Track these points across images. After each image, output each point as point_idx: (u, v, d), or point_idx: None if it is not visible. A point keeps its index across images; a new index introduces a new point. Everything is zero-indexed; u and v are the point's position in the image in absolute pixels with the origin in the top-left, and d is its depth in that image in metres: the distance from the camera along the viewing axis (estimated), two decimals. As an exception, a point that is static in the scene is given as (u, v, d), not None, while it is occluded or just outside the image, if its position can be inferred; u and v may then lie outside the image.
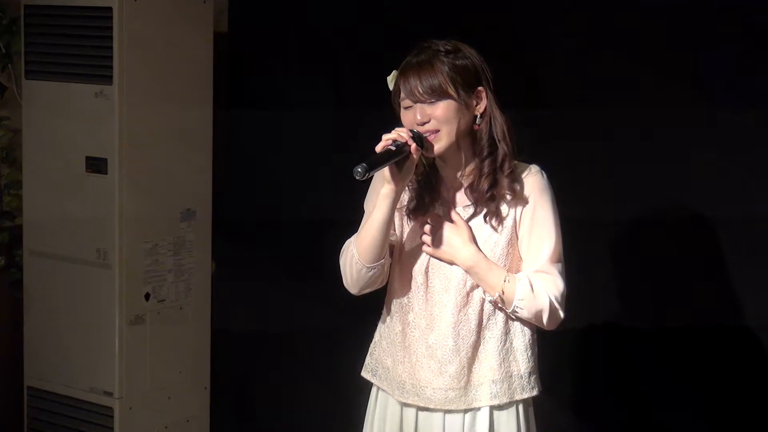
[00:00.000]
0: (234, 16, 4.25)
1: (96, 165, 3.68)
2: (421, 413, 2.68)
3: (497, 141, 2.57)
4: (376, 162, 2.45)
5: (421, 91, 2.51)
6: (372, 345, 2.79)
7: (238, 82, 4.26)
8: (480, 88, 2.56)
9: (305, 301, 4.14)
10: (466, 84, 2.53)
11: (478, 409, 2.64)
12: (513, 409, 2.65)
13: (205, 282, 4.01)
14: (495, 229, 2.60)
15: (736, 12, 3.37)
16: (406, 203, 2.65)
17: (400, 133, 2.49)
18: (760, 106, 3.36)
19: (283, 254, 4.22)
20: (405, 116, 2.56)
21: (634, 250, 3.62)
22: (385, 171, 2.50)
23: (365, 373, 2.78)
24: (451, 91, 2.51)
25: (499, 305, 2.58)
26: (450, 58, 2.54)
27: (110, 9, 3.57)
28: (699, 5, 3.41)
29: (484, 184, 2.57)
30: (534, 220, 2.58)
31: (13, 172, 4.22)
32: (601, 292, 3.61)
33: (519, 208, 2.59)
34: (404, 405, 2.69)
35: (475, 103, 2.56)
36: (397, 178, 2.51)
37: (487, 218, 2.59)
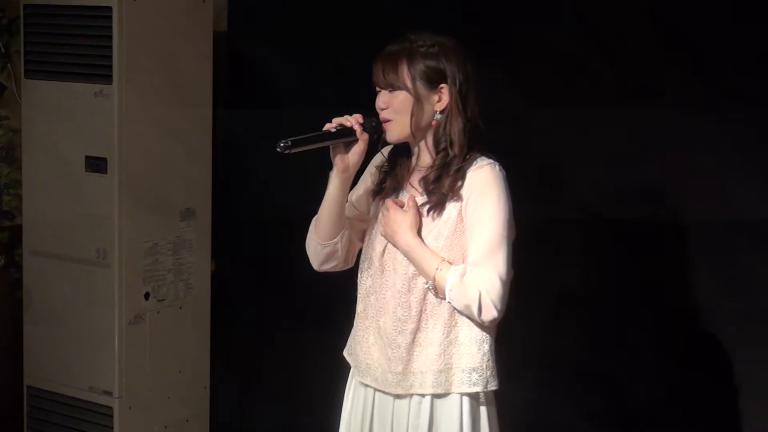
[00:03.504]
0: (234, 16, 4.25)
1: (96, 164, 3.68)
2: (377, 395, 2.76)
3: (450, 140, 2.63)
4: (304, 140, 2.58)
5: (382, 78, 2.63)
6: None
7: (237, 82, 4.25)
8: (443, 85, 2.62)
9: (305, 300, 4.14)
10: (427, 80, 2.62)
11: (423, 396, 2.68)
12: (456, 402, 2.66)
13: (204, 281, 4.01)
14: (433, 220, 2.65)
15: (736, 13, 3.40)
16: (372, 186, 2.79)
17: (348, 119, 2.62)
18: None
19: (283, 253, 4.22)
20: (376, 101, 2.68)
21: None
22: (332, 154, 2.63)
23: (345, 353, 2.88)
24: (409, 84, 2.61)
25: (436, 293, 2.63)
26: (420, 54, 2.62)
27: (110, 8, 3.57)
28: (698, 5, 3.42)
29: (430, 178, 2.65)
30: (475, 213, 2.61)
31: (12, 171, 4.22)
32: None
33: (462, 203, 2.63)
34: (365, 386, 2.78)
35: (436, 99, 2.63)
36: (341, 160, 2.63)
37: (430, 211, 2.65)
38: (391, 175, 2.74)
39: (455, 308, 2.62)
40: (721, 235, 3.54)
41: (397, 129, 2.64)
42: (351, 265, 2.81)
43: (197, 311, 3.99)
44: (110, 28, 3.58)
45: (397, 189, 2.73)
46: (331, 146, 2.63)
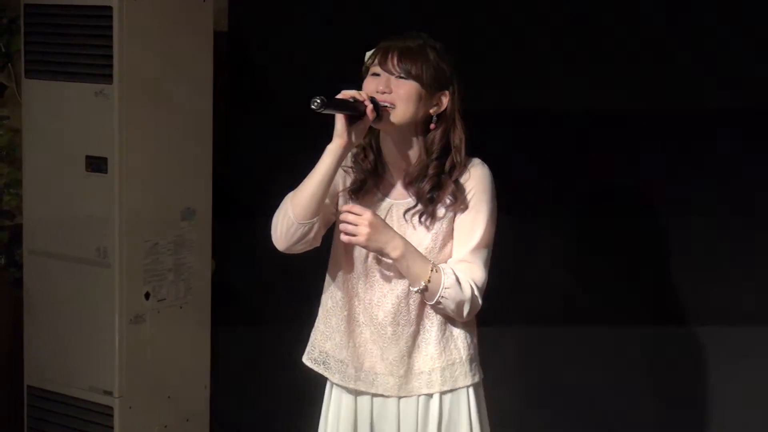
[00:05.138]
0: (234, 16, 4.25)
1: (96, 164, 3.67)
2: (375, 400, 2.73)
3: (452, 147, 2.63)
4: (333, 103, 2.52)
5: (395, 63, 2.60)
6: (312, 330, 2.83)
7: (238, 82, 4.25)
8: (446, 91, 2.64)
9: (306, 300, 4.14)
10: (436, 82, 2.62)
11: (431, 395, 2.69)
12: (464, 395, 2.71)
13: (205, 281, 4.01)
14: (426, 228, 2.64)
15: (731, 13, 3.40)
16: (349, 185, 2.71)
17: (361, 93, 2.56)
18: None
19: (283, 254, 4.21)
20: (368, 83, 2.63)
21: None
22: (338, 123, 2.56)
23: (305, 359, 2.84)
24: (423, 78, 2.59)
25: (424, 295, 2.60)
26: (435, 54, 2.63)
27: (110, 8, 3.56)
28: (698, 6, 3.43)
29: (427, 185, 2.62)
30: (468, 213, 2.62)
31: (13, 171, 4.22)
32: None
33: (456, 205, 2.63)
34: (357, 393, 2.74)
35: (435, 102, 2.63)
36: (348, 132, 2.56)
37: (422, 218, 2.64)
38: (371, 174, 2.69)
39: (441, 308, 2.61)
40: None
41: (398, 115, 2.59)
42: (318, 245, 2.70)
43: (197, 311, 3.99)
44: (110, 27, 3.57)
45: (377, 189, 2.69)
46: (338, 117, 2.56)
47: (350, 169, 2.72)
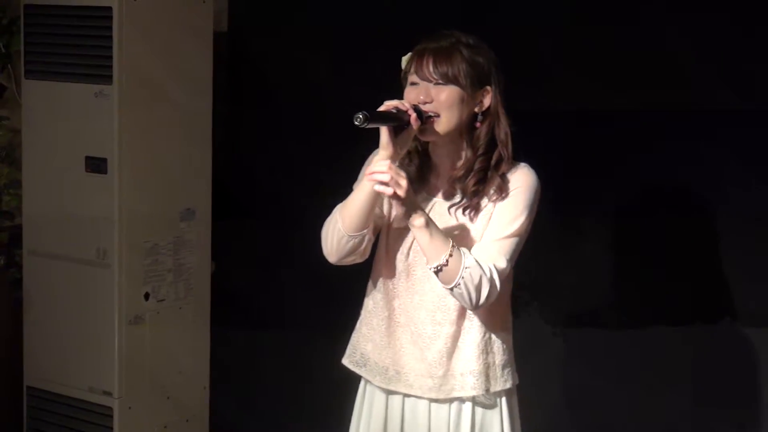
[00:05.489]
0: (234, 16, 4.24)
1: (96, 165, 3.67)
2: (407, 401, 2.70)
3: (498, 142, 2.59)
4: (377, 116, 2.46)
5: (431, 70, 2.54)
6: (354, 332, 2.80)
7: (238, 82, 4.25)
8: (488, 87, 2.59)
9: (305, 301, 4.13)
10: (476, 79, 2.56)
11: (463, 401, 2.66)
12: (497, 401, 2.68)
13: (204, 282, 4.00)
14: (470, 220, 2.60)
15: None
16: None
17: (403, 103, 2.51)
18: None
19: (283, 254, 4.21)
20: (408, 93, 2.58)
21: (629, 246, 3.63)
22: (383, 135, 2.50)
23: (345, 360, 2.81)
24: (461, 80, 2.54)
25: (442, 278, 2.50)
26: (469, 51, 2.57)
27: (110, 9, 3.56)
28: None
29: (472, 180, 2.58)
30: (505, 202, 2.58)
31: (12, 171, 4.22)
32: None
33: (497, 201, 2.60)
34: (389, 393, 2.71)
35: (478, 99, 2.59)
36: (393, 144, 2.50)
37: (466, 211, 2.60)
38: (417, 175, 2.65)
39: (460, 293, 2.50)
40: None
41: (443, 124, 2.55)
42: (367, 257, 2.67)
43: (197, 312, 3.97)
44: (110, 28, 3.56)
45: (423, 190, 2.66)
46: (382, 129, 2.50)
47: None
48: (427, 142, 2.63)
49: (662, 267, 3.67)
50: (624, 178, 3.70)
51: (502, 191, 2.57)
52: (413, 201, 2.50)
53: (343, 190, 2.83)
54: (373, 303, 2.74)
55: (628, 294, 3.73)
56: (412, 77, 2.58)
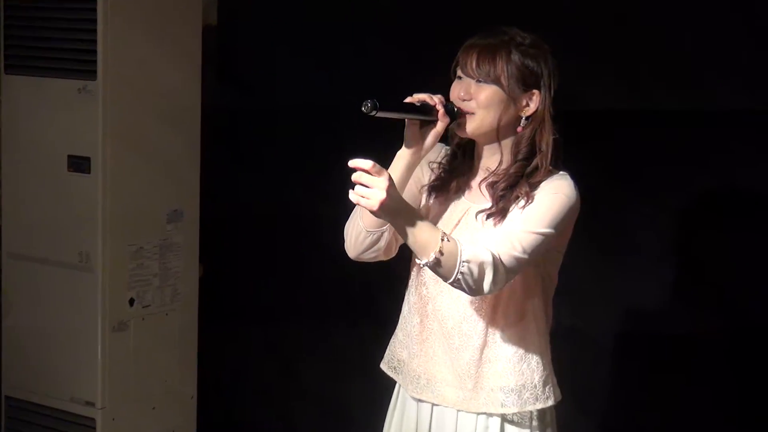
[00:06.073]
0: (223, 9, 4.24)
1: (78, 164, 3.64)
2: (435, 409, 2.67)
3: (538, 150, 2.52)
4: (390, 106, 2.39)
5: (474, 67, 2.51)
6: (393, 336, 2.78)
7: (227, 77, 4.25)
8: (535, 91, 2.52)
9: (297, 308, 4.15)
10: (522, 81, 2.50)
11: (491, 415, 2.59)
12: (527, 420, 2.60)
13: (192, 287, 3.98)
14: (494, 227, 2.51)
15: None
16: (431, 180, 2.64)
17: (432, 97, 2.47)
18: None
19: (274, 257, 4.24)
20: (454, 87, 2.54)
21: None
22: (408, 128, 2.48)
23: (383, 365, 2.79)
24: (503, 80, 2.49)
25: (439, 271, 2.38)
26: (519, 51, 2.50)
27: (94, 0, 3.53)
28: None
29: (502, 184, 2.52)
30: (532, 204, 2.47)
31: (-9, 171, 4.14)
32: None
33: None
34: (419, 401, 2.68)
35: (524, 103, 2.52)
36: (414, 138, 2.49)
37: (491, 217, 2.53)
38: (455, 174, 2.61)
39: (462, 283, 2.38)
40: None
41: (476, 123, 2.50)
42: (392, 255, 2.65)
43: (184, 318, 3.96)
44: (95, 21, 3.54)
45: (461, 190, 2.61)
46: (408, 122, 2.47)
47: (437, 165, 2.64)
48: (476, 145, 2.60)
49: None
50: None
51: (529, 198, 2.49)
52: (392, 208, 2.35)
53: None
54: (407, 308, 2.72)
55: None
56: (459, 72, 2.55)
